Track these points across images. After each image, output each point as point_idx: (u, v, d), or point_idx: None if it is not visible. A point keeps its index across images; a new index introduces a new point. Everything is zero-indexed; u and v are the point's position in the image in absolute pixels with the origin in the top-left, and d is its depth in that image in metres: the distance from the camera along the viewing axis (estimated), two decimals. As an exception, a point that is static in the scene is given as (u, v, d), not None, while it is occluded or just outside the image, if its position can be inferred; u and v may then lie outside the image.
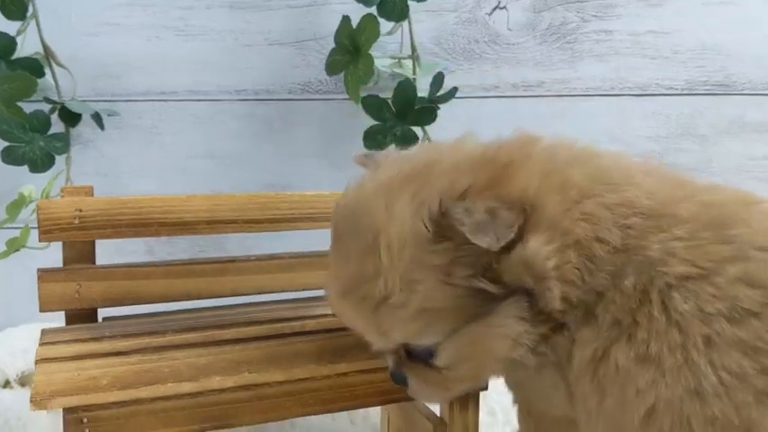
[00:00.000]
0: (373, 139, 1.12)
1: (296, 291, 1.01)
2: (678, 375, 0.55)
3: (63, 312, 0.92)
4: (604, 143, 1.34)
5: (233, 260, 0.99)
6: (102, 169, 1.28)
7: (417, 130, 1.17)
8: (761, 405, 0.52)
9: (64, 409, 0.71)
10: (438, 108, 1.15)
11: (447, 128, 1.32)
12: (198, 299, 0.97)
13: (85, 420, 0.72)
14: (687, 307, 0.55)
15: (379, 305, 0.63)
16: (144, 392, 0.72)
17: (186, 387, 0.74)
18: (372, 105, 1.11)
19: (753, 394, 0.52)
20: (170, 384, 0.73)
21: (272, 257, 1.01)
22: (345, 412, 1.20)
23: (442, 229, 0.60)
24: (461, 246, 0.60)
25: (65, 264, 0.92)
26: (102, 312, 0.97)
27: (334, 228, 0.70)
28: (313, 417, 1.19)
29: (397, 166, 0.68)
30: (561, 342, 0.63)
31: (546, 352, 0.65)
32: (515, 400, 0.79)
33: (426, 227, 0.60)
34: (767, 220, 0.59)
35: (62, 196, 0.93)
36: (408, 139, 1.14)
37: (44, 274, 0.90)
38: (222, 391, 0.76)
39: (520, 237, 0.59)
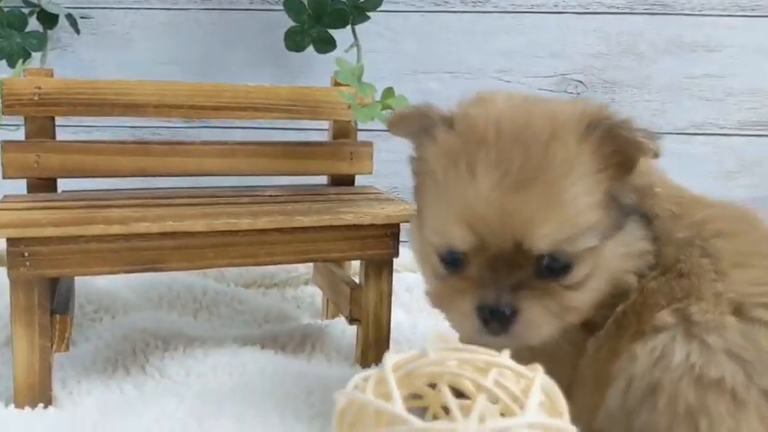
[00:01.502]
0: (293, 40, 1.21)
1: (238, 174, 1.11)
2: (704, 279, 0.66)
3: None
4: (547, 59, 1.42)
5: (180, 143, 1.09)
6: (79, 73, 1.38)
7: (347, 36, 1.24)
8: None
9: (7, 242, 0.82)
10: (367, 16, 1.21)
11: (400, 40, 1.40)
12: (148, 175, 1.07)
13: (26, 254, 0.83)
14: (725, 245, 0.68)
15: (565, 191, 0.65)
16: (76, 231, 0.83)
17: (115, 229, 0.84)
18: (292, 7, 1.19)
19: None
20: (101, 226, 0.84)
21: (217, 142, 1.10)
22: (293, 296, 1.32)
23: (608, 141, 0.66)
24: (619, 162, 0.67)
25: (27, 137, 1.03)
26: (62, 186, 1.08)
27: (487, 134, 0.67)
28: (260, 297, 1.30)
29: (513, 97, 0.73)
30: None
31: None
32: None
33: (593, 130, 0.66)
34: None
35: (25, 76, 1.03)
36: (325, 42, 1.22)
37: (6, 145, 1.01)
38: (149, 236, 0.86)
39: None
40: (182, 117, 1.06)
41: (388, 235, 0.98)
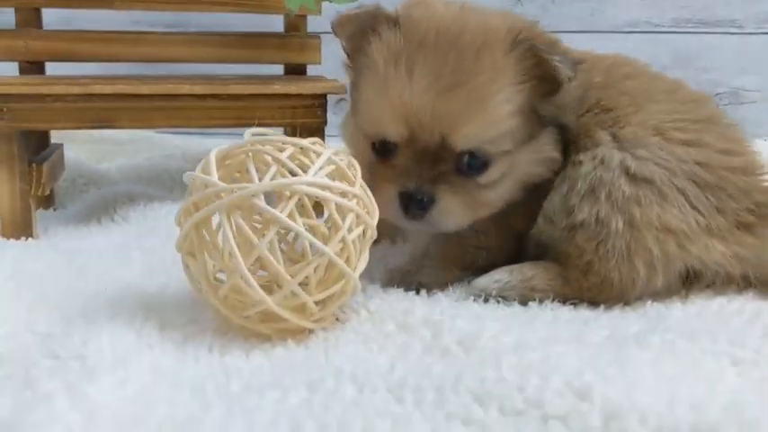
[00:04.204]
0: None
1: (198, 61, 1.27)
2: (627, 111, 0.80)
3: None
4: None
5: (146, 33, 1.26)
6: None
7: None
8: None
9: (-13, 99, 1.01)
10: None
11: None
12: (118, 61, 1.25)
13: (5, 110, 1.01)
14: (634, 84, 0.83)
15: (488, 98, 0.74)
16: (43, 89, 1.01)
17: (74, 89, 1.02)
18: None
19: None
20: (63, 86, 1.02)
21: (179, 33, 1.27)
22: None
23: (530, 57, 0.76)
24: (538, 77, 0.76)
25: (16, 27, 1.22)
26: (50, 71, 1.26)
27: (426, 37, 0.76)
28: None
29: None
30: None
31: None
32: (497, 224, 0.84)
33: (521, 50, 0.76)
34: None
35: (12, -27, 1.21)
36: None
37: (-1, 33, 1.20)
38: (104, 97, 1.04)
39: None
40: (145, 9, 1.22)
41: (317, 105, 1.13)
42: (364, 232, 0.66)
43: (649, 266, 0.75)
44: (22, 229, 1.05)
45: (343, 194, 0.64)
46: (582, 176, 0.77)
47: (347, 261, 0.64)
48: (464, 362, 0.58)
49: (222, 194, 0.62)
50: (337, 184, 0.64)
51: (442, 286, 0.82)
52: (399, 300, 0.74)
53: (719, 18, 1.50)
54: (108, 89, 1.03)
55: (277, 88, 1.10)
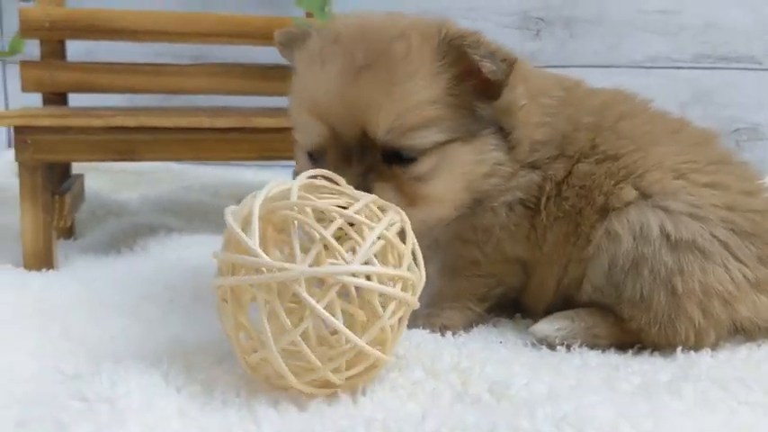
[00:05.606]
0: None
1: (218, 93, 1.28)
2: (635, 156, 0.79)
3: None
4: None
5: (166, 65, 1.27)
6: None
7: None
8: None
9: (15, 131, 1.02)
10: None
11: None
12: (139, 92, 1.26)
13: (29, 141, 1.02)
14: (631, 126, 0.81)
15: (403, 81, 0.72)
16: (66, 122, 1.02)
17: (96, 122, 1.03)
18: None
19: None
20: (85, 119, 1.03)
21: (199, 64, 1.28)
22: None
23: (452, 50, 0.74)
24: (463, 72, 0.74)
25: (41, 58, 1.23)
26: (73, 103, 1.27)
27: (343, 32, 0.76)
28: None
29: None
30: (534, 179, 0.80)
31: (516, 189, 0.80)
32: (485, 253, 0.83)
33: (442, 42, 0.74)
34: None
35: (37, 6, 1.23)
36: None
37: (25, 64, 1.21)
38: (126, 130, 1.04)
39: (502, 88, 0.75)
40: (168, 41, 1.23)
41: (338, 140, 1.13)
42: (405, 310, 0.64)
43: (696, 330, 0.74)
44: (44, 260, 1.05)
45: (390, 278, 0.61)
46: (623, 254, 0.75)
47: (383, 345, 0.62)
48: (496, 411, 0.57)
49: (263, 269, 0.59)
50: (382, 269, 0.60)
51: (466, 328, 0.81)
52: (426, 343, 0.73)
53: (739, 54, 1.50)
54: (131, 122, 1.04)
55: (299, 122, 1.10)
